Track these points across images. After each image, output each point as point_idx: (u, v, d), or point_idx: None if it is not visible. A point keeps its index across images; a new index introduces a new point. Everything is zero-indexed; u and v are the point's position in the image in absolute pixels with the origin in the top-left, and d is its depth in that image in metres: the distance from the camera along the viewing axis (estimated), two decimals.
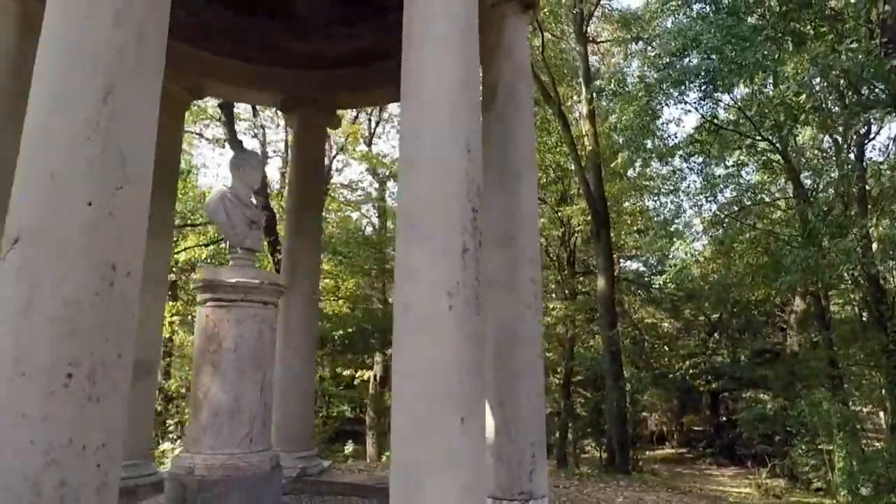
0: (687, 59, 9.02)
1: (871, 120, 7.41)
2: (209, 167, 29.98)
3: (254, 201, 3.94)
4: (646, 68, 10.50)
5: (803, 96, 7.48)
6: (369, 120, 15.77)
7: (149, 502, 4.19)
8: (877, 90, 6.82)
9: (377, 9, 5.44)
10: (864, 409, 10.99)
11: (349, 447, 12.65)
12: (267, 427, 3.54)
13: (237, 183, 3.85)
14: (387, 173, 15.44)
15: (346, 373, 13.96)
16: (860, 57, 6.18)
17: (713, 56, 8.31)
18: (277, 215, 12.07)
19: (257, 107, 12.90)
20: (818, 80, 7.29)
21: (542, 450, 3.47)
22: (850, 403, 9.07)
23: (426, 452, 2.10)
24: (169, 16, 2.20)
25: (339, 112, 6.75)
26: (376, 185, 15.97)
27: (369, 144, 15.88)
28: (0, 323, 1.73)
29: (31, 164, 1.85)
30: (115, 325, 1.83)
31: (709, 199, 10.54)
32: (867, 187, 8.98)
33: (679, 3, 9.63)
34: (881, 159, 9.30)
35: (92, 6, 1.95)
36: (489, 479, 3.11)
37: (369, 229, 16.15)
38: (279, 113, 12.54)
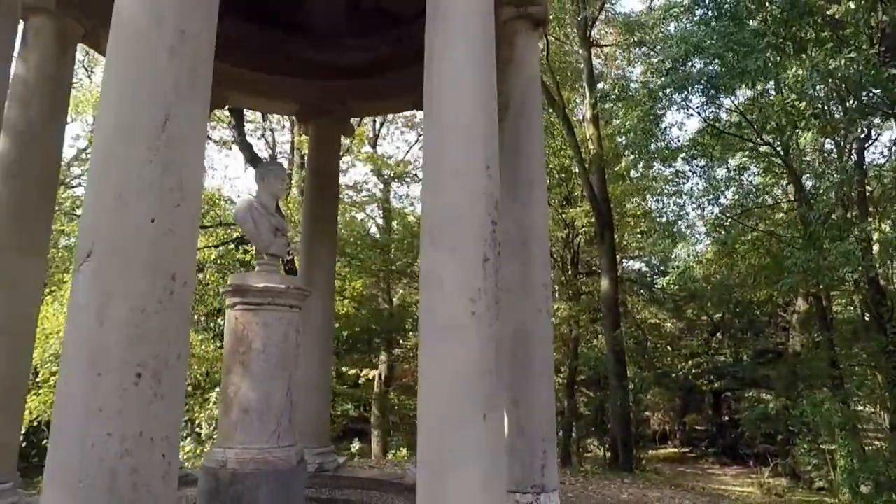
0: (689, 65, 9.19)
1: (871, 125, 7.55)
2: (217, 169, 30.23)
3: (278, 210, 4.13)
4: (649, 74, 10.67)
5: (803, 103, 7.64)
6: (374, 122, 15.95)
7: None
8: (875, 97, 6.96)
9: (391, 20, 5.64)
10: (869, 410, 11.11)
11: (356, 445, 12.88)
12: (292, 424, 3.74)
13: (262, 192, 4.05)
14: (391, 174, 15.63)
15: (352, 372, 14.17)
16: (860, 65, 6.34)
17: (715, 62, 8.47)
18: (285, 217, 12.29)
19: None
20: (819, 86, 7.45)
21: (552, 446, 3.67)
22: (852, 403, 9.22)
23: (452, 447, 2.30)
24: (215, 44, 2.41)
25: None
26: (381, 186, 16.14)
27: (374, 146, 16.07)
28: (77, 328, 1.95)
29: (99, 186, 2.06)
30: (174, 330, 2.04)
31: (711, 201, 10.71)
32: (868, 190, 9.13)
33: (682, 9, 9.80)
34: (883, 161, 9.46)
35: (150, 41, 2.15)
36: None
37: (373, 229, 16.34)
38: (286, 115, 12.78)
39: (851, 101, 7.68)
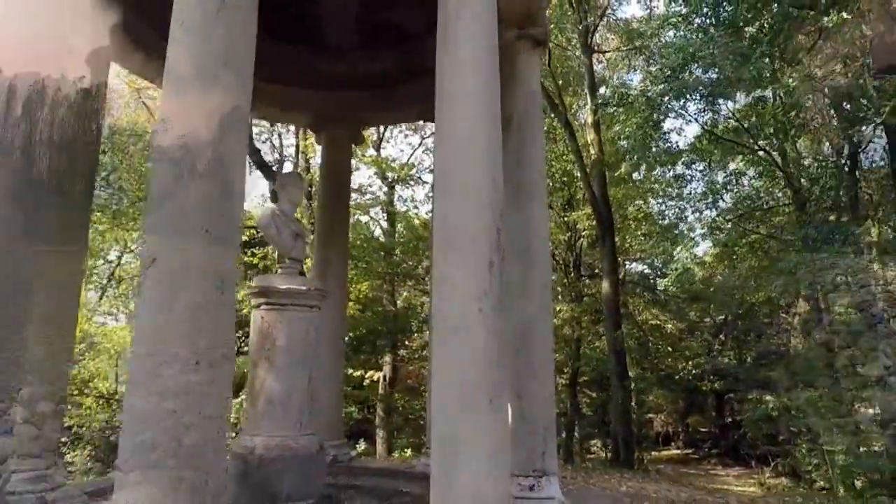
0: (687, 73, 9.48)
1: (859, 132, 7.81)
2: None
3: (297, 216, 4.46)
4: (648, 82, 10.97)
5: (793, 113, 7.93)
6: (378, 125, 16.22)
7: None
8: (864, 105, 7.24)
9: (401, 35, 5.99)
10: (870, 411, 11.25)
11: (361, 446, 13.15)
12: (312, 415, 4.07)
13: (283, 201, 4.40)
14: (395, 178, 15.89)
15: (357, 374, 14.40)
16: (848, 75, 6.62)
17: (713, 70, 8.77)
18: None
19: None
20: (810, 97, 7.73)
21: (552, 434, 3.97)
22: (850, 403, 9.41)
23: (462, 426, 2.61)
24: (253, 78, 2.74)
25: None
26: (385, 190, 16.38)
27: (378, 149, 16.34)
28: (145, 324, 2.28)
29: (162, 202, 2.39)
30: (224, 324, 2.37)
31: (709, 205, 10.99)
32: (868, 192, 9.37)
33: (680, 17, 10.10)
34: (881, 164, 9.68)
35: (205, 79, 2.49)
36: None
37: (377, 231, 16.60)
38: (299, 126, 13.11)
39: (843, 111, 7.95)
